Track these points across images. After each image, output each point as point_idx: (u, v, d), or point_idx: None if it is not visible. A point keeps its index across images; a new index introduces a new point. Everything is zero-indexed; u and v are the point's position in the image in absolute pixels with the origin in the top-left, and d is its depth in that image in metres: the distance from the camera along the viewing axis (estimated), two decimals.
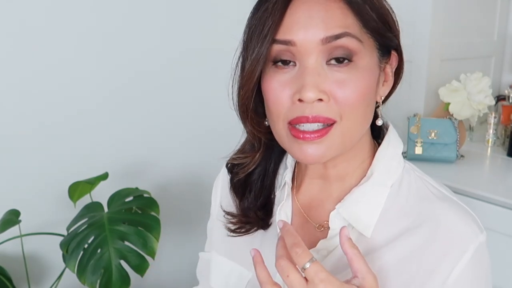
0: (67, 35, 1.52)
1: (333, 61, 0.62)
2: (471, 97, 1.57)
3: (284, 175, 0.76)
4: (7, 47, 1.43)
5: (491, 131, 1.73)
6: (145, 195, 1.44)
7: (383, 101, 0.72)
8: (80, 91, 1.57)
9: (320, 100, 0.61)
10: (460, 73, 1.62)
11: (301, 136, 0.62)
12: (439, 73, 1.73)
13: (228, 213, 0.79)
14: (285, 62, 0.64)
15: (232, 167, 0.79)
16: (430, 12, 1.64)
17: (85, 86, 1.58)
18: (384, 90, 0.70)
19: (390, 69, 0.70)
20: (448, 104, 1.60)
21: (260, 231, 0.77)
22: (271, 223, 0.76)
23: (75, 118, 1.58)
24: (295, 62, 0.63)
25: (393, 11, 0.67)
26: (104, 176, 1.42)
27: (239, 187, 0.79)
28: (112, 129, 1.66)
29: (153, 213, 1.39)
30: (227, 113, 1.68)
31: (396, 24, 0.68)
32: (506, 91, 1.79)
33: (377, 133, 0.75)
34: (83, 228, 1.33)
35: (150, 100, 1.72)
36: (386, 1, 0.67)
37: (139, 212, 1.43)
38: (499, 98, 1.84)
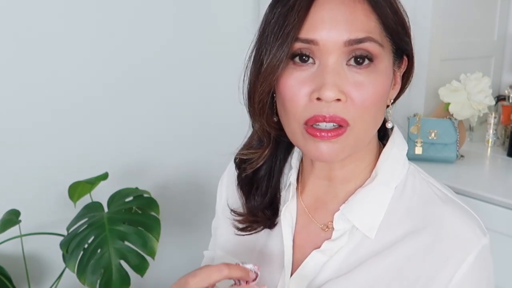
0: (69, 34, 1.52)
1: (352, 62, 0.62)
2: (471, 97, 1.57)
3: (289, 176, 0.77)
4: (8, 48, 1.43)
5: (491, 131, 1.73)
6: (145, 195, 1.44)
7: (391, 104, 0.71)
8: (81, 91, 1.57)
9: (338, 100, 0.61)
10: (460, 73, 1.62)
11: (318, 134, 0.62)
12: (439, 73, 1.73)
13: (235, 212, 0.79)
14: (304, 60, 0.63)
15: (240, 163, 0.79)
16: (430, 12, 1.64)
17: (86, 86, 1.58)
18: (392, 94, 0.70)
19: (399, 73, 0.70)
20: (448, 104, 1.60)
21: (266, 230, 0.77)
22: (276, 223, 0.76)
23: (75, 118, 1.58)
24: (314, 60, 0.63)
25: (407, 15, 0.67)
26: (104, 176, 1.42)
27: (246, 184, 0.78)
28: (112, 129, 1.66)
29: (153, 213, 1.39)
30: (227, 114, 1.68)
31: (409, 26, 0.68)
32: (506, 91, 1.79)
33: (382, 135, 0.75)
34: (83, 228, 1.32)
35: (150, 101, 1.72)
36: (401, 4, 0.67)
37: (139, 212, 1.43)
38: (499, 98, 1.84)
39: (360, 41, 0.61)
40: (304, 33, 0.61)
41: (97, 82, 1.60)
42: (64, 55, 1.52)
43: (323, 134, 0.62)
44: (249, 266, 0.64)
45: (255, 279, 0.64)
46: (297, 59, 0.63)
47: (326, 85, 0.60)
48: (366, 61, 0.62)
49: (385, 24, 0.63)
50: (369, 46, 0.61)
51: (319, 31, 0.61)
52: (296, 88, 0.63)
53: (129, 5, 1.62)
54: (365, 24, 0.61)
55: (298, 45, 0.62)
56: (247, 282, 0.63)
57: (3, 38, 1.42)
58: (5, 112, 1.46)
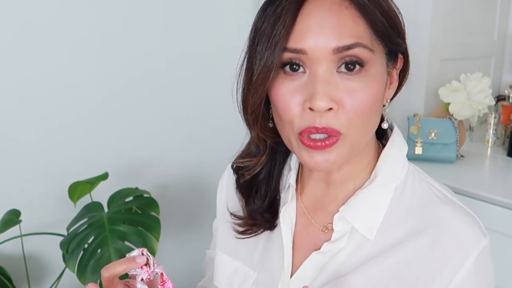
0: (67, 36, 1.52)
1: (343, 69, 0.61)
2: (471, 97, 1.57)
3: (289, 177, 0.76)
4: (8, 48, 1.43)
5: (491, 131, 1.73)
6: (145, 195, 1.44)
7: (388, 103, 0.71)
8: (80, 91, 1.57)
9: (330, 109, 0.60)
10: (460, 73, 1.62)
11: (312, 144, 0.62)
12: (439, 73, 1.73)
13: (234, 215, 0.79)
14: (294, 69, 0.62)
15: (238, 168, 0.79)
16: (430, 12, 1.64)
17: (85, 86, 1.58)
18: (389, 93, 0.70)
19: (395, 72, 0.69)
20: (448, 104, 1.60)
21: (266, 232, 0.77)
22: (276, 224, 0.76)
23: (75, 118, 1.58)
24: (304, 69, 0.62)
25: (400, 13, 0.66)
26: (104, 176, 1.42)
27: (245, 188, 0.78)
28: (112, 129, 1.66)
29: (153, 213, 1.39)
30: (227, 113, 1.68)
31: (403, 25, 0.67)
32: (506, 91, 1.79)
33: (382, 134, 0.75)
34: (83, 228, 1.33)
35: (150, 101, 1.72)
36: (393, 3, 0.66)
37: (139, 212, 1.43)
38: (499, 98, 1.84)
39: (348, 47, 0.60)
40: (292, 43, 0.61)
41: (97, 82, 1.60)
42: (64, 55, 1.52)
43: (317, 144, 0.62)
44: (134, 252, 0.64)
45: (147, 262, 0.63)
46: (287, 68, 0.63)
47: (317, 95, 0.60)
48: (357, 67, 0.61)
49: (375, 28, 0.62)
50: (358, 51, 0.60)
51: (306, 40, 0.60)
52: (288, 97, 0.62)
53: (131, 6, 1.62)
54: (353, 29, 0.60)
55: (287, 55, 0.61)
56: (142, 267, 0.62)
57: (2, 38, 1.42)
58: (5, 112, 1.46)
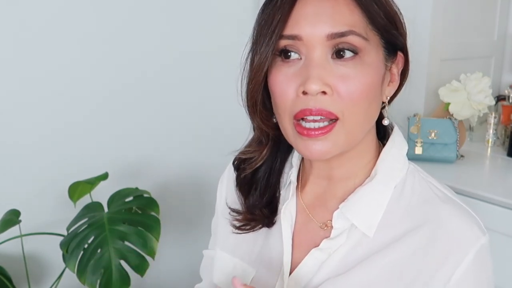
0: (68, 36, 1.52)
1: (338, 55, 0.63)
2: (471, 97, 1.57)
3: (290, 174, 0.77)
4: (8, 48, 1.43)
5: (491, 131, 1.73)
6: (145, 195, 1.44)
7: (389, 102, 0.72)
8: (80, 91, 1.57)
9: (324, 93, 0.62)
10: (460, 73, 1.62)
11: (305, 133, 0.63)
12: (439, 73, 1.73)
13: (233, 210, 0.79)
14: (290, 55, 0.65)
15: (239, 164, 0.80)
16: (430, 12, 1.64)
17: (85, 86, 1.58)
18: (390, 90, 0.71)
19: (396, 70, 0.70)
20: (448, 104, 1.60)
21: (265, 229, 0.77)
22: (275, 221, 0.76)
23: (75, 118, 1.58)
24: (300, 55, 0.64)
25: (401, 13, 0.68)
26: (104, 176, 1.42)
27: (245, 184, 0.79)
28: (112, 129, 1.66)
29: (153, 213, 1.39)
30: (227, 113, 1.68)
31: (404, 26, 0.69)
32: (506, 91, 1.79)
33: (383, 134, 0.75)
34: (83, 228, 1.33)
35: (150, 100, 1.72)
36: (394, 3, 0.68)
37: (139, 212, 1.43)
38: (499, 98, 1.84)
39: (342, 34, 0.62)
40: (289, 30, 0.63)
41: (97, 82, 1.60)
42: (63, 55, 1.52)
43: (310, 132, 0.63)
44: None
45: None
46: (284, 55, 0.65)
47: (311, 78, 0.61)
48: (351, 54, 0.63)
49: (371, 17, 0.64)
50: (352, 39, 0.62)
51: (302, 27, 0.63)
52: (285, 84, 0.65)
53: (130, 7, 1.62)
54: (348, 18, 0.63)
55: (283, 42, 0.64)
56: None
57: (2, 38, 1.42)
58: (5, 112, 1.46)
